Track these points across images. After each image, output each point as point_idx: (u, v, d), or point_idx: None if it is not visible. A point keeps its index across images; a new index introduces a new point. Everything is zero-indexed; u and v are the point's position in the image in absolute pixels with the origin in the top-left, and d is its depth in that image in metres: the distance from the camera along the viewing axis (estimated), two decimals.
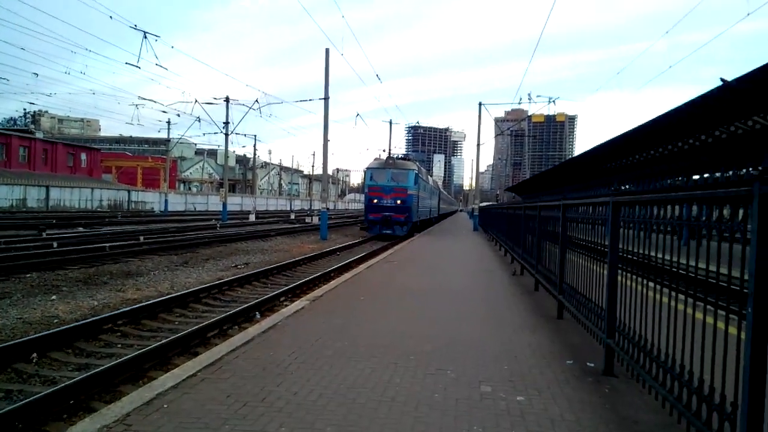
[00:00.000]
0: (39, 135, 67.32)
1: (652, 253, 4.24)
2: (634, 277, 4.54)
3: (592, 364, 5.40)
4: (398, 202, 27.80)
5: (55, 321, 8.54)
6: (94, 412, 4.31)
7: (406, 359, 5.44)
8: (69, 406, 5.14)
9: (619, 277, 4.90)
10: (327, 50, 26.74)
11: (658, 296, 4.00)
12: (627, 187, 5.39)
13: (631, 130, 18.47)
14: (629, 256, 4.74)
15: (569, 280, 7.00)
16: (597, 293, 5.57)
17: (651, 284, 4.24)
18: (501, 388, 4.63)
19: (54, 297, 10.35)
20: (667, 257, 3.92)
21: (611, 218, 5.02)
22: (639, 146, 21.31)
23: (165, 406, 4.07)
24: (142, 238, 21.78)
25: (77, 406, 5.19)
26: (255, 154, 78.48)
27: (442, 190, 68.18)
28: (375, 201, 28.07)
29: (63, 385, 5.33)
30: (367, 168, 29.62)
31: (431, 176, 53.15)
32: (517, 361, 5.51)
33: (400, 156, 32.33)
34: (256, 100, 37.05)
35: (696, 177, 3.68)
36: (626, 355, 4.55)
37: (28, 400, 4.90)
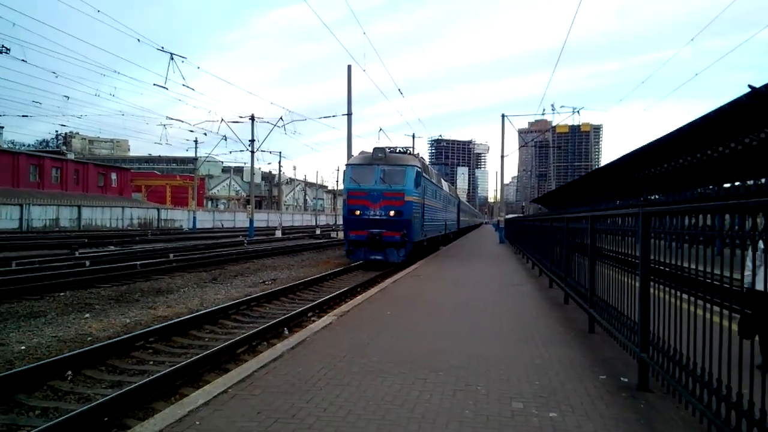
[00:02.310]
0: (70, 156, 69.14)
1: (685, 264, 4.17)
2: (667, 289, 4.46)
3: (626, 379, 5.30)
4: (391, 213, 19.45)
5: (89, 339, 8.71)
6: (128, 430, 4.37)
7: (434, 375, 5.41)
8: (103, 423, 5.22)
9: (652, 290, 4.82)
10: (349, 67, 27.08)
11: (692, 308, 3.91)
12: (656, 197, 5.31)
13: (659, 139, 18.20)
14: (662, 268, 4.66)
15: (600, 293, 6.90)
16: (629, 306, 5.47)
17: (685, 296, 4.16)
18: (533, 405, 4.56)
19: (87, 315, 10.56)
20: (701, 268, 3.85)
21: (641, 229, 4.95)
22: (667, 155, 20.96)
23: (197, 423, 4.10)
24: (171, 255, 22.12)
25: (111, 423, 5.27)
26: (280, 170, 79.70)
27: (463, 200, 58.85)
28: (357, 213, 19.74)
29: (97, 402, 5.42)
30: (348, 164, 21.31)
31: (448, 182, 43.01)
32: (548, 376, 5.43)
33: (395, 149, 23.06)
34: (281, 118, 37.78)
35: (727, 186, 3.62)
36: (661, 369, 4.45)
37: (63, 417, 4.99)
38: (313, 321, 9.45)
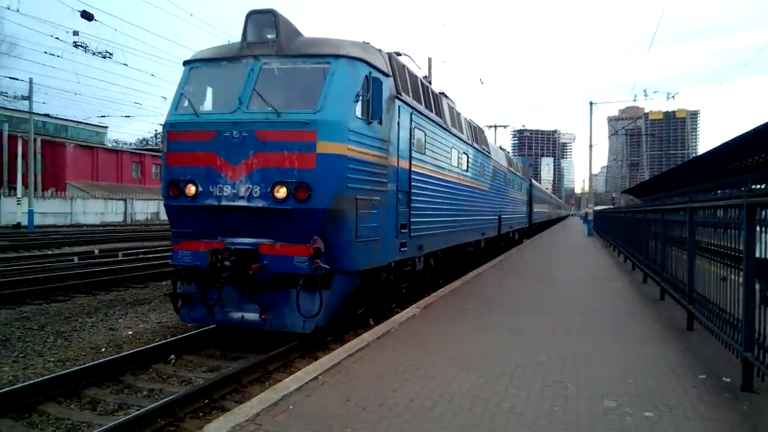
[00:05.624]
0: None
1: None
2: None
3: (728, 379, 5.00)
4: (278, 192, 6.60)
5: (189, 325, 9.22)
6: (227, 412, 4.63)
7: (521, 370, 5.34)
8: (204, 405, 5.54)
9: (758, 285, 4.51)
10: (429, 59, 26.88)
11: None
12: (762, 186, 4.97)
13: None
14: None
15: (699, 289, 6.54)
16: (732, 303, 5.16)
17: None
18: (626, 403, 4.40)
19: None
20: None
21: (746, 221, 4.64)
22: None
23: (290, 407, 4.29)
24: None
25: (211, 405, 5.58)
26: None
27: (535, 182, 39.62)
28: (191, 191, 7.05)
29: (198, 386, 5.75)
30: (185, 62, 8.05)
31: (506, 153, 26.82)
32: (643, 374, 5.22)
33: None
34: None
35: None
36: (767, 369, 4.17)
37: (168, 399, 5.33)
38: (398, 312, 9.54)
